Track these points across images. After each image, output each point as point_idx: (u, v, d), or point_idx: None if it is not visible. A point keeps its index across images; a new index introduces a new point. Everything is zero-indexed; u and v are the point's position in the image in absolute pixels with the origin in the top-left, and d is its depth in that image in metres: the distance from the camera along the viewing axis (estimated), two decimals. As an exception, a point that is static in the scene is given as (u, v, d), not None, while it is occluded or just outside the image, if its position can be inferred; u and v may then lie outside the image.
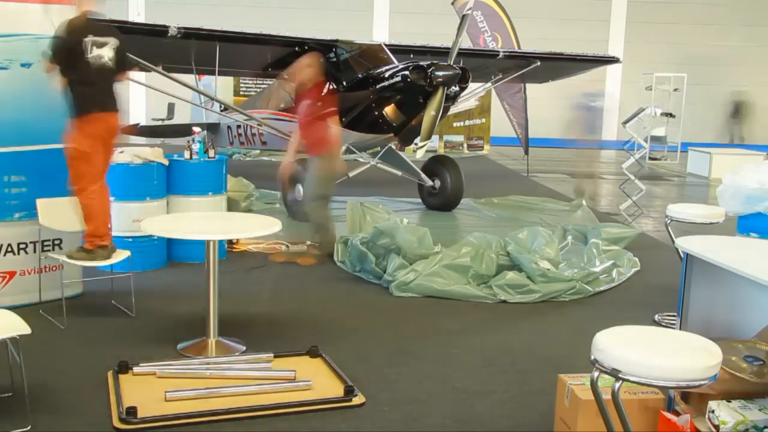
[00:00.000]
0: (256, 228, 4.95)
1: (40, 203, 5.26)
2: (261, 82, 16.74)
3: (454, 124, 17.92)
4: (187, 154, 7.05)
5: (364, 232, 7.00)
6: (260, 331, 5.10)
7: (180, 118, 16.57)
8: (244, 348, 4.73)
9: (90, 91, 5.08)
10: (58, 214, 5.29)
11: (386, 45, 10.32)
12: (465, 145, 18.41)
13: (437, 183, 10.24)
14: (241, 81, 17.06)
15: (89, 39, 5.04)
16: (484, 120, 18.49)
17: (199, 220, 5.54)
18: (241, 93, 16.84)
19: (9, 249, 5.37)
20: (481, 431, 3.76)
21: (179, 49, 9.28)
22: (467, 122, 18.29)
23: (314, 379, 4.14)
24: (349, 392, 3.98)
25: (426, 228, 6.54)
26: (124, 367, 4.23)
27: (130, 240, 6.26)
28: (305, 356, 4.54)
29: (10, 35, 5.21)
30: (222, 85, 15.90)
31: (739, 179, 5.94)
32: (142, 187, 6.61)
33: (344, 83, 9.66)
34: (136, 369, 4.23)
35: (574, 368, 3.73)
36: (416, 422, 3.81)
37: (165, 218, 5.87)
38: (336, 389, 4.05)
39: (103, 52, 5.11)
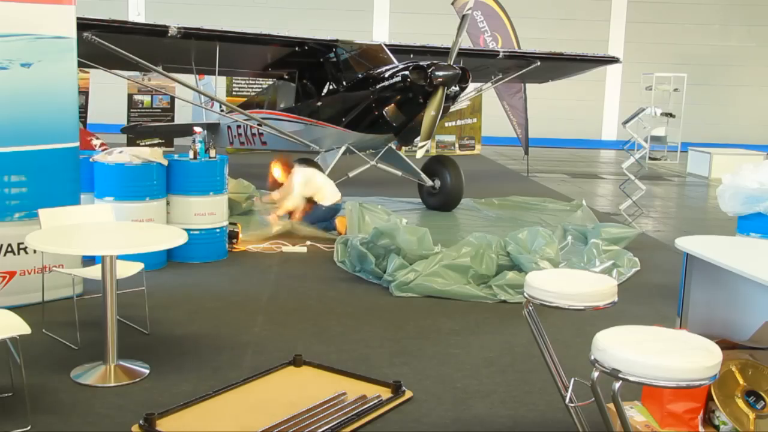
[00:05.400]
0: (161, 241, 4.49)
1: (42, 213, 4.80)
2: (253, 81, 16.58)
3: (446, 124, 17.73)
4: (191, 154, 7.06)
5: (363, 232, 7.00)
6: (259, 332, 5.10)
7: (180, 118, 16.55)
8: (147, 371, 4.30)
9: None
10: (60, 223, 4.75)
11: (386, 45, 10.32)
12: (457, 145, 18.34)
13: (437, 183, 10.24)
14: (233, 81, 16.71)
15: None
16: (475, 120, 18.40)
17: (97, 233, 4.71)
18: (234, 93, 16.55)
19: (9, 249, 5.37)
20: (481, 431, 3.76)
21: (179, 49, 9.28)
22: (459, 122, 18.21)
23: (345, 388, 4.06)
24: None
25: (426, 228, 6.54)
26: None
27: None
28: (289, 366, 4.40)
29: (10, 35, 5.21)
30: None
31: (739, 179, 5.95)
32: (142, 187, 6.60)
33: (344, 83, 9.67)
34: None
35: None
36: (416, 422, 3.81)
37: (55, 232, 4.61)
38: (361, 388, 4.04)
39: None
